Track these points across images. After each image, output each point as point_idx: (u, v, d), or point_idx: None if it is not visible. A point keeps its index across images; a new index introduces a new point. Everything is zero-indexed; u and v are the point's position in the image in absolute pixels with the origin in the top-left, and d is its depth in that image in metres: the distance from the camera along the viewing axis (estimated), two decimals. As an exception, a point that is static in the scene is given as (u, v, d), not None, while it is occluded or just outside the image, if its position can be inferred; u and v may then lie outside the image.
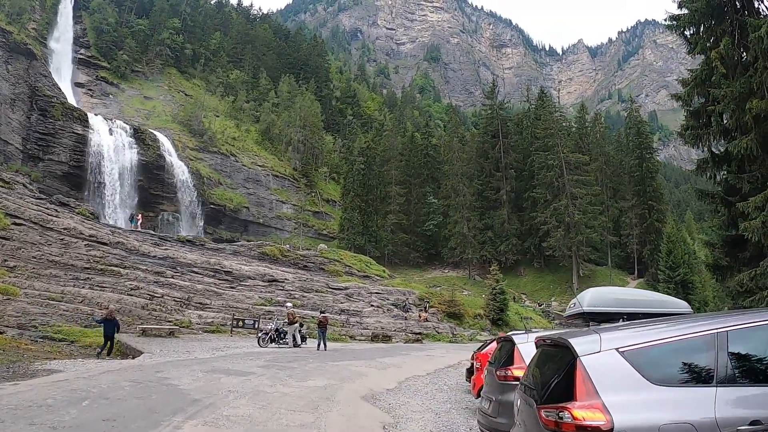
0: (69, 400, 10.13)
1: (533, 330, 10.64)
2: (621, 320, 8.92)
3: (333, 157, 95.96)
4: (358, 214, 70.49)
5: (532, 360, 5.37)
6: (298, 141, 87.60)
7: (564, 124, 75.69)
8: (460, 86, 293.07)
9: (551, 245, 64.57)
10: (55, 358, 20.86)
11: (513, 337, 8.51)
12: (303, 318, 30.80)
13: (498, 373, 7.73)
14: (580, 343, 4.09)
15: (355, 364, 19.50)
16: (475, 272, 68.38)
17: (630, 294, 12.66)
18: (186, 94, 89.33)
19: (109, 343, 21.81)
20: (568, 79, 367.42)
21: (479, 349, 14.03)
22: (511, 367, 7.59)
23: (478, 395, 10.07)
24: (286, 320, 26.75)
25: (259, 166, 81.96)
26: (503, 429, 6.49)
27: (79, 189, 55.64)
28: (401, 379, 16.39)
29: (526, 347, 7.59)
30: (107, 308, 23.79)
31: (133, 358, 22.01)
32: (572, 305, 11.23)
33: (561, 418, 3.84)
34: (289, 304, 28.62)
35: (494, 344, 11.07)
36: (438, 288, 54.95)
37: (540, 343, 5.18)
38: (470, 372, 14.50)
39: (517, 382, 5.80)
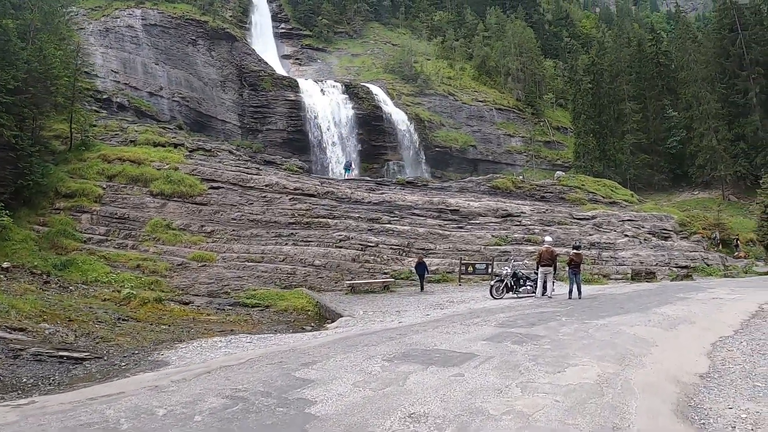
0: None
1: None
2: None
3: (557, 83, 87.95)
4: (592, 137, 63.57)
5: None
6: (516, 70, 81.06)
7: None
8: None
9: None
10: (231, 331, 16.80)
11: None
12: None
13: None
14: None
15: (628, 321, 12.90)
16: (729, 191, 57.31)
17: None
18: (393, 44, 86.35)
19: (421, 281, 24.86)
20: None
21: None
22: None
23: None
24: (540, 260, 18.83)
25: (480, 101, 75.70)
26: None
27: (303, 151, 55.24)
28: (707, 348, 10.23)
29: None
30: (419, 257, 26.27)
31: (332, 322, 17.41)
32: None
33: None
34: (548, 238, 20.64)
35: None
36: (694, 211, 46.74)
37: None
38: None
39: None
